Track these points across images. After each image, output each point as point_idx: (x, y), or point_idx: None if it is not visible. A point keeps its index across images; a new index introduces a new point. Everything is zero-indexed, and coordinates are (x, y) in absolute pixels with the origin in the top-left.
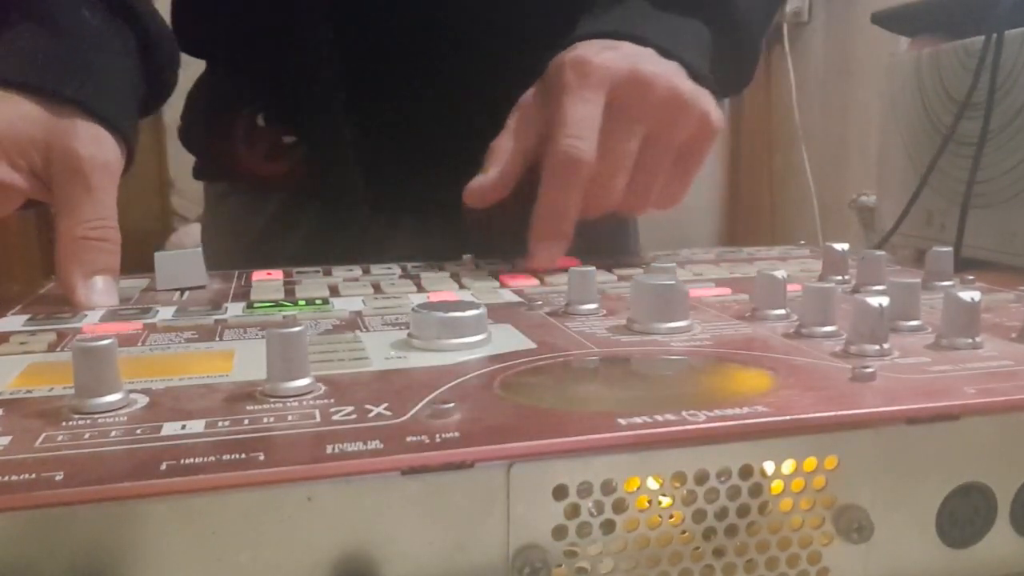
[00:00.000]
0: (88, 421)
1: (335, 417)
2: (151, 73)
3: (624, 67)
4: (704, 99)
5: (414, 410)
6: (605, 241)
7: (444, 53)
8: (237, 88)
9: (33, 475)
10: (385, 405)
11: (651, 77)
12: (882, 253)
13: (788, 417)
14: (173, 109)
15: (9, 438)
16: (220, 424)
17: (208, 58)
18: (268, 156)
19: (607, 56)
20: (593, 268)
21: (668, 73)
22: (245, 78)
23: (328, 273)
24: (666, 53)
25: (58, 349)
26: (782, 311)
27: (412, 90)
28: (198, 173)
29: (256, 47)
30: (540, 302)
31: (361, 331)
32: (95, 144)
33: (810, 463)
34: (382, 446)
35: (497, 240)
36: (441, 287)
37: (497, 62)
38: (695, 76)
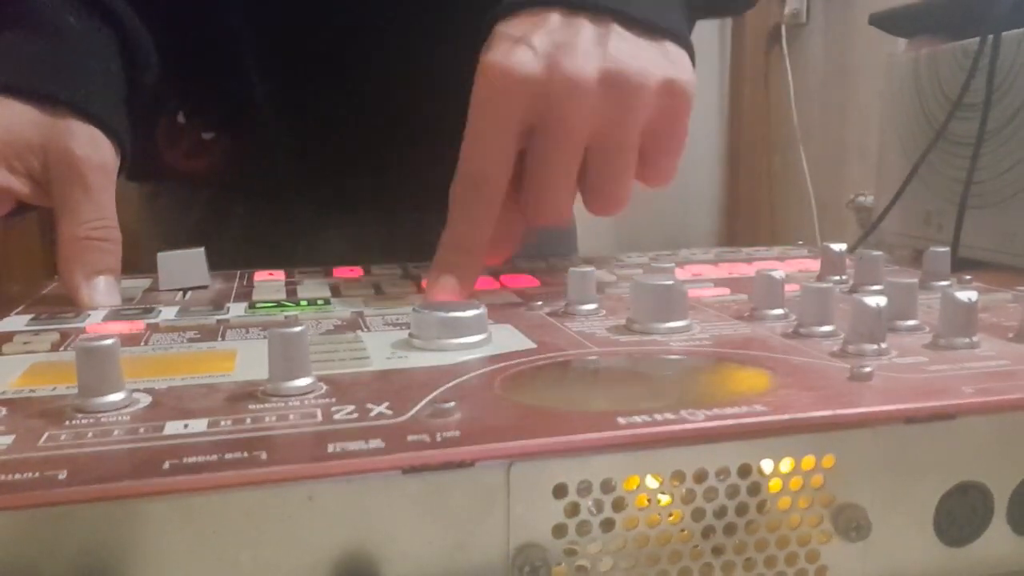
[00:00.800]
0: (91, 420)
1: (336, 416)
2: (133, 73)
3: (537, 71)
4: (659, 65)
5: (415, 409)
6: (543, 242)
7: (370, 34)
8: (157, 86)
9: (36, 474)
10: (386, 404)
11: (576, 75)
12: (880, 253)
13: (786, 416)
14: None
15: (12, 437)
16: (222, 423)
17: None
18: (189, 153)
19: (519, 59)
20: (592, 268)
21: (601, 55)
22: (163, 74)
23: (329, 273)
24: (600, 12)
25: (61, 349)
26: (780, 311)
27: (338, 78)
28: (130, 174)
29: (172, 41)
30: (540, 302)
31: (362, 331)
32: (91, 145)
33: (808, 462)
34: (383, 445)
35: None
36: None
37: (430, 43)
38: (648, 29)
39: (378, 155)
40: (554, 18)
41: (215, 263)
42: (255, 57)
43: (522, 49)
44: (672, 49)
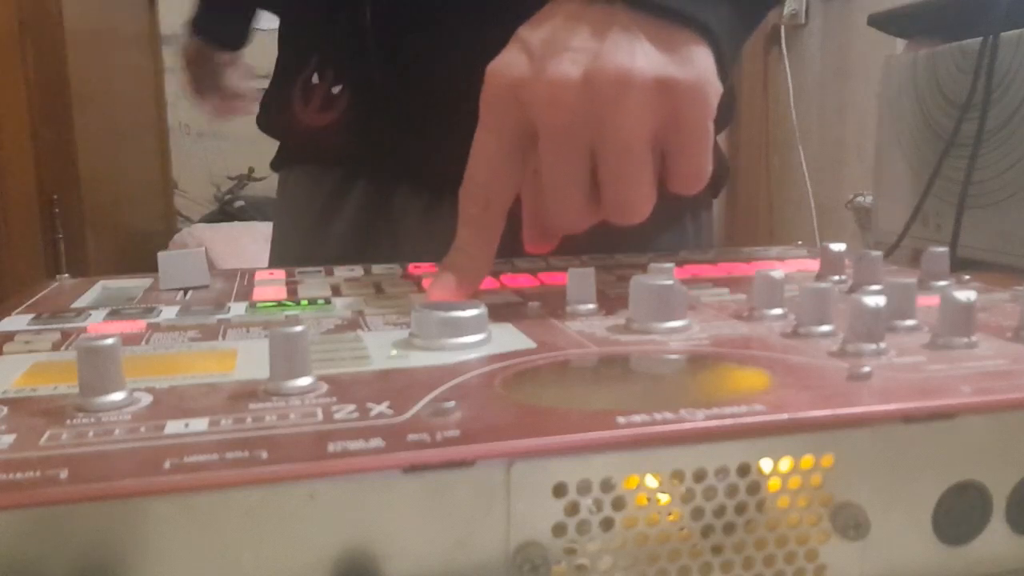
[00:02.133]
0: (92, 420)
1: (337, 416)
2: None
3: (524, 74)
4: (654, 63)
5: (415, 409)
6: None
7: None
8: (295, 46)
9: (37, 473)
10: (386, 404)
11: (556, 77)
12: (879, 254)
13: (785, 416)
14: (175, 110)
15: (14, 436)
16: (223, 423)
17: (275, 8)
18: (320, 108)
19: (510, 63)
20: (592, 268)
21: (593, 53)
22: (301, 29)
23: (330, 273)
24: (614, 1)
25: (62, 348)
26: (780, 311)
27: (457, 52)
28: (274, 163)
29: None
30: (540, 302)
31: (363, 330)
32: None
33: (807, 461)
34: (383, 444)
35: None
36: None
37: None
38: (663, 20)
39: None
40: (564, 13)
41: (330, 252)
42: (374, 9)
43: (518, 51)
44: (685, 45)
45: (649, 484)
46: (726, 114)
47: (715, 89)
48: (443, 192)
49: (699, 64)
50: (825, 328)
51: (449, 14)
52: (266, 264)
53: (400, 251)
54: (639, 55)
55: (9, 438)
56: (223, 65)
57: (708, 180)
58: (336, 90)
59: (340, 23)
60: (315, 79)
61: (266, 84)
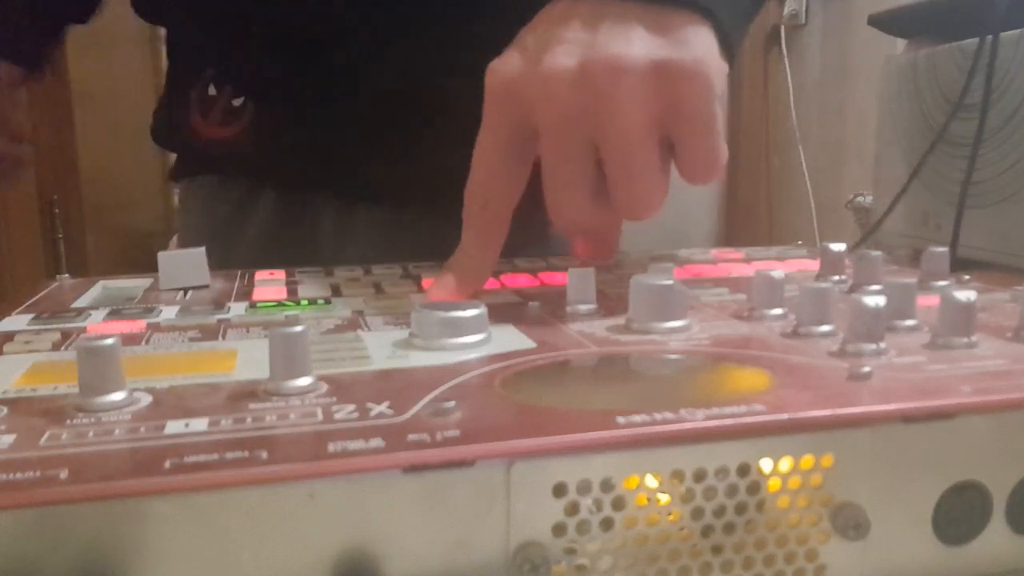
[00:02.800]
0: (92, 420)
1: (337, 416)
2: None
3: (519, 72)
4: (651, 48)
5: (415, 409)
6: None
7: (410, 10)
8: (187, 57)
9: (37, 473)
10: (386, 404)
11: (551, 72)
12: (878, 253)
13: (785, 416)
14: None
15: (14, 436)
16: (223, 423)
17: (162, 23)
18: (222, 122)
19: (507, 62)
20: (592, 268)
21: (586, 45)
22: (192, 42)
23: (330, 273)
24: None
25: (62, 348)
26: (780, 311)
27: (371, 51)
28: (172, 173)
29: (204, 9)
30: (540, 302)
31: (362, 330)
32: None
33: (807, 461)
34: (383, 444)
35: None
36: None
37: (471, 25)
38: (658, 4)
39: (406, 142)
40: (559, 10)
41: (240, 259)
42: (283, 26)
43: (515, 51)
44: (682, 27)
45: (649, 484)
46: None
47: (717, 69)
48: (358, 197)
49: (697, 45)
50: (825, 328)
51: (352, 22)
52: None
53: (319, 256)
54: (634, 41)
55: (9, 438)
56: None
57: (723, 170)
58: (237, 102)
59: (237, 36)
60: (211, 91)
61: None
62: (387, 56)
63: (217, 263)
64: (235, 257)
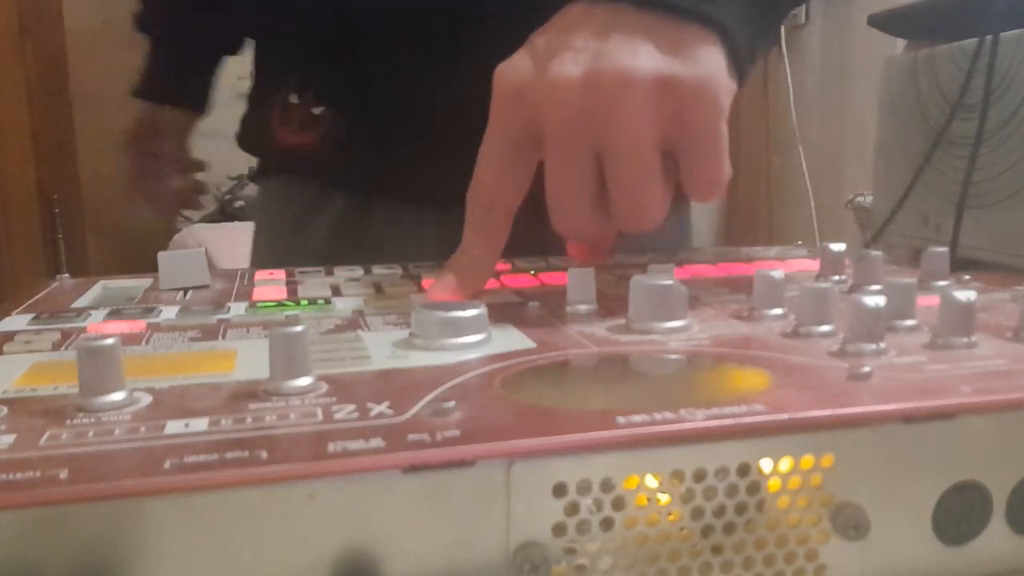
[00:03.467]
0: (92, 420)
1: (337, 416)
2: None
3: (527, 78)
4: (658, 62)
5: (415, 409)
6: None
7: (481, 24)
8: (272, 67)
9: (37, 473)
10: (386, 404)
11: (557, 79)
12: (879, 253)
13: (785, 416)
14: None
15: (14, 436)
16: (223, 423)
17: (252, 35)
18: (300, 127)
19: (515, 67)
20: (592, 268)
21: (595, 54)
22: (277, 53)
23: (330, 273)
24: (620, 1)
25: (62, 348)
26: (780, 311)
27: (442, 69)
28: (252, 175)
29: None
30: (540, 302)
31: (362, 330)
32: None
33: (807, 461)
34: (383, 444)
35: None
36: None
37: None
38: (670, 17)
39: (471, 149)
40: (572, 15)
41: (309, 257)
42: (364, 37)
43: (523, 55)
44: (692, 42)
45: (649, 484)
46: None
47: (725, 88)
48: (422, 204)
49: (705, 62)
50: (825, 328)
51: (429, 36)
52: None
53: (382, 256)
54: (641, 54)
55: (9, 438)
56: (172, 142)
57: (725, 188)
58: (317, 111)
59: (320, 48)
60: (293, 99)
61: None
62: (455, 67)
63: (288, 260)
64: (304, 254)
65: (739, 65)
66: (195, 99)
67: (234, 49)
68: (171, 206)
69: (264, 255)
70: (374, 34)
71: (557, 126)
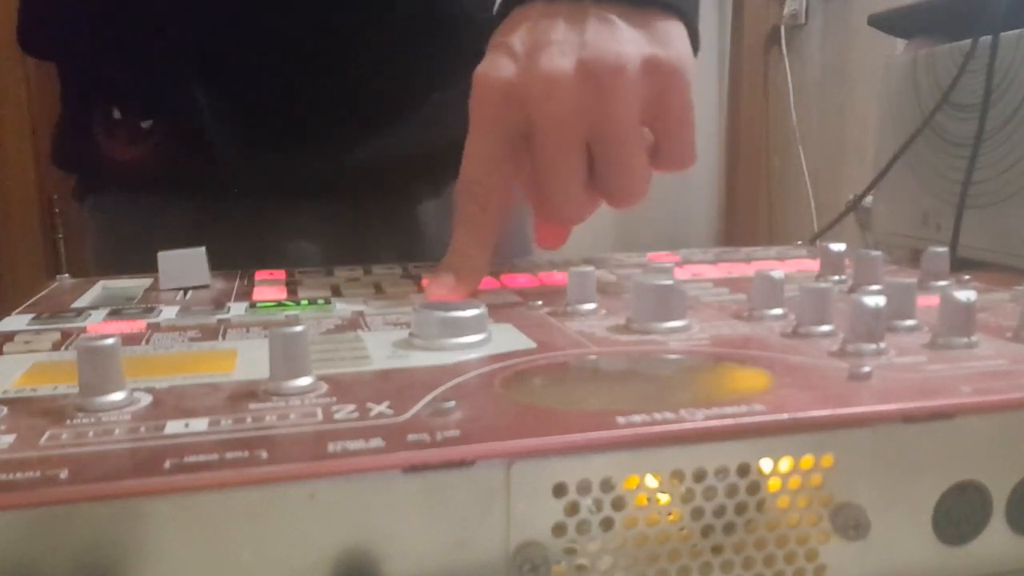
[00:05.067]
0: (92, 420)
1: (337, 416)
2: None
3: (514, 75)
4: (638, 44)
5: (415, 408)
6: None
7: (311, 14)
8: (85, 85)
9: (37, 473)
10: (386, 404)
11: (551, 72)
12: (878, 253)
13: (785, 416)
14: None
15: (14, 436)
16: (223, 423)
17: (56, 59)
18: (129, 142)
19: (498, 66)
20: (592, 268)
21: (578, 45)
22: (92, 72)
23: (330, 273)
24: None
25: (62, 348)
26: (780, 311)
27: (273, 59)
28: (75, 194)
29: (100, 32)
30: (540, 302)
31: (362, 330)
32: None
33: (807, 461)
34: (383, 444)
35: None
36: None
37: (374, 23)
38: (632, 5)
39: (319, 138)
40: (534, 14)
41: (151, 271)
42: (182, 42)
43: (502, 55)
44: (659, 24)
45: (649, 484)
46: None
47: (691, 62)
48: (269, 198)
49: (675, 40)
50: (825, 328)
51: (265, 38)
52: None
53: (233, 261)
54: (624, 41)
55: (9, 438)
56: None
57: (696, 158)
58: (145, 124)
59: (139, 65)
60: (116, 114)
61: None
62: (287, 64)
63: (130, 273)
64: (151, 265)
65: (695, 42)
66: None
67: None
68: None
69: (104, 271)
70: (200, 46)
71: (552, 118)
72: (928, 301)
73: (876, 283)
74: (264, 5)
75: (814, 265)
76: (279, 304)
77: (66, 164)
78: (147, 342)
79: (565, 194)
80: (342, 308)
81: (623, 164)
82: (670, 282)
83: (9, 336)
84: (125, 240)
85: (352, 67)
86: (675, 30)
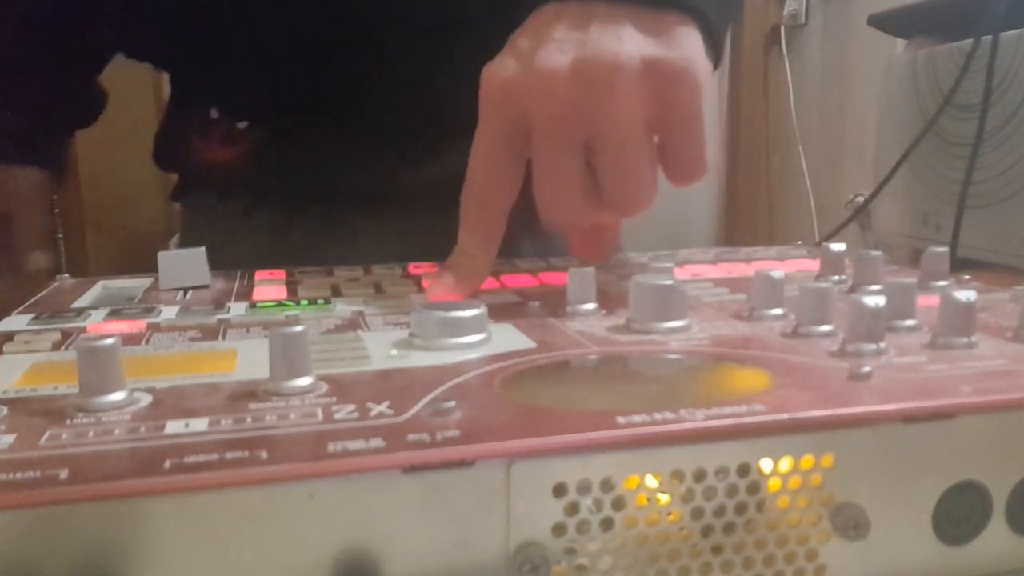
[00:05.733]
0: (92, 419)
1: (337, 416)
2: None
3: (514, 74)
4: (642, 46)
5: (415, 408)
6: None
7: (400, 25)
8: (190, 85)
9: (37, 473)
10: (386, 404)
11: (546, 70)
12: (878, 253)
13: (785, 416)
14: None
15: (14, 436)
16: (223, 422)
17: (158, 63)
18: (224, 142)
19: (501, 65)
20: (592, 268)
21: (578, 44)
22: (195, 73)
23: (330, 273)
24: None
25: (62, 348)
26: (780, 311)
27: (365, 68)
28: (173, 194)
29: (203, 36)
30: (540, 302)
31: (362, 330)
32: None
33: (807, 461)
34: (383, 444)
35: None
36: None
37: (470, 35)
38: (645, 6)
39: (404, 148)
40: (547, 14)
41: (241, 265)
42: (281, 47)
43: (508, 53)
44: (671, 27)
45: (649, 484)
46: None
47: (704, 69)
48: (351, 209)
49: (686, 44)
50: (825, 328)
51: (359, 48)
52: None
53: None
54: (625, 39)
55: (9, 438)
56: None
57: (708, 170)
58: (241, 125)
59: (238, 64)
60: (214, 114)
61: None
62: (379, 75)
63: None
64: (236, 267)
65: (714, 47)
66: (51, 162)
67: (87, 123)
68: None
69: None
70: (292, 47)
71: (547, 117)
72: (928, 301)
73: (876, 283)
74: (366, 25)
75: (814, 265)
76: (279, 304)
77: (166, 163)
78: (147, 342)
79: (561, 197)
80: (342, 308)
81: (621, 169)
82: (670, 282)
83: (9, 336)
84: (214, 242)
85: (438, 80)
86: (687, 34)
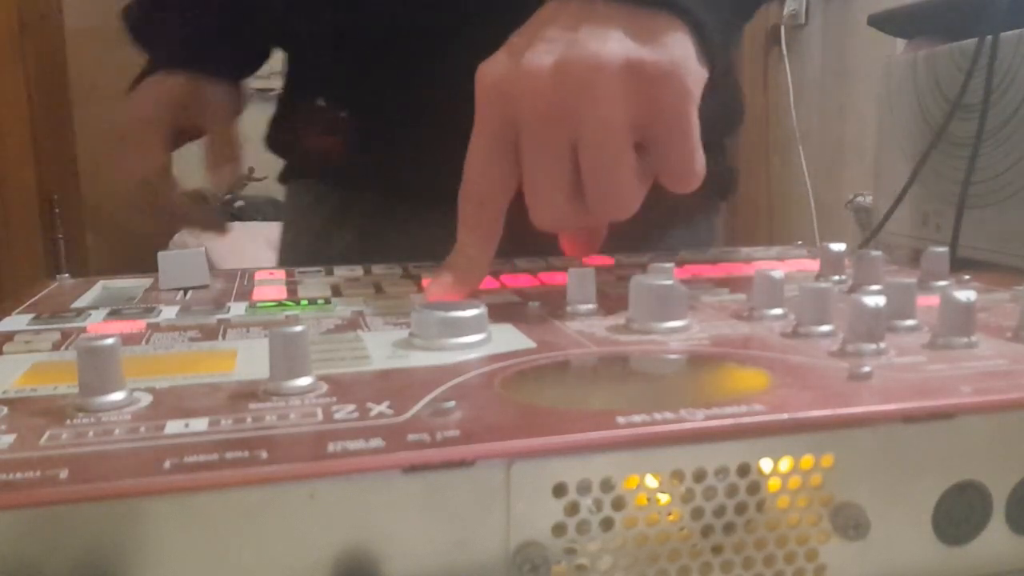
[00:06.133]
0: (92, 420)
1: (337, 416)
2: None
3: (503, 72)
4: (626, 48)
5: (415, 408)
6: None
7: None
8: (301, 73)
9: (37, 473)
10: (386, 404)
11: (530, 70)
12: (878, 253)
13: (785, 416)
14: None
15: (14, 436)
16: (223, 423)
17: (280, 45)
18: (325, 131)
19: (493, 64)
20: (592, 268)
21: (566, 44)
22: (306, 60)
23: (330, 273)
24: None
25: (62, 348)
26: (780, 311)
27: (462, 59)
28: (281, 177)
29: (306, 26)
30: (540, 302)
31: (362, 330)
32: None
33: (807, 461)
34: (383, 444)
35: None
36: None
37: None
38: (638, 6)
39: None
40: (544, 13)
41: (337, 259)
42: (384, 39)
43: (503, 52)
44: (660, 28)
45: (649, 484)
46: (732, 117)
47: (694, 74)
48: (442, 203)
49: (673, 47)
50: (825, 328)
51: (451, 41)
52: (266, 264)
53: (412, 257)
54: (611, 41)
55: (9, 438)
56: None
57: (702, 176)
58: (343, 115)
59: (347, 54)
60: (320, 102)
61: None
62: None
63: (316, 261)
64: (332, 258)
65: (708, 53)
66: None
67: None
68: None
69: (290, 254)
70: (400, 44)
71: (532, 115)
72: (928, 301)
73: (876, 283)
74: (459, 23)
75: (814, 265)
76: (279, 304)
77: (277, 147)
78: (147, 342)
79: (544, 197)
80: (342, 308)
81: (603, 171)
82: (670, 282)
83: (9, 336)
84: (314, 232)
85: None
86: (679, 39)
